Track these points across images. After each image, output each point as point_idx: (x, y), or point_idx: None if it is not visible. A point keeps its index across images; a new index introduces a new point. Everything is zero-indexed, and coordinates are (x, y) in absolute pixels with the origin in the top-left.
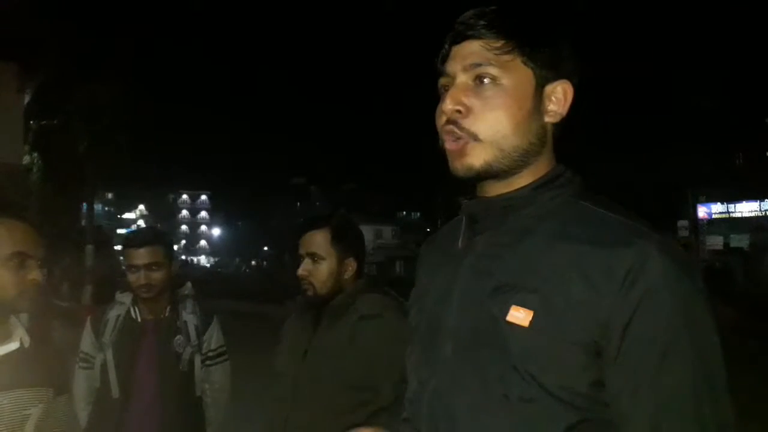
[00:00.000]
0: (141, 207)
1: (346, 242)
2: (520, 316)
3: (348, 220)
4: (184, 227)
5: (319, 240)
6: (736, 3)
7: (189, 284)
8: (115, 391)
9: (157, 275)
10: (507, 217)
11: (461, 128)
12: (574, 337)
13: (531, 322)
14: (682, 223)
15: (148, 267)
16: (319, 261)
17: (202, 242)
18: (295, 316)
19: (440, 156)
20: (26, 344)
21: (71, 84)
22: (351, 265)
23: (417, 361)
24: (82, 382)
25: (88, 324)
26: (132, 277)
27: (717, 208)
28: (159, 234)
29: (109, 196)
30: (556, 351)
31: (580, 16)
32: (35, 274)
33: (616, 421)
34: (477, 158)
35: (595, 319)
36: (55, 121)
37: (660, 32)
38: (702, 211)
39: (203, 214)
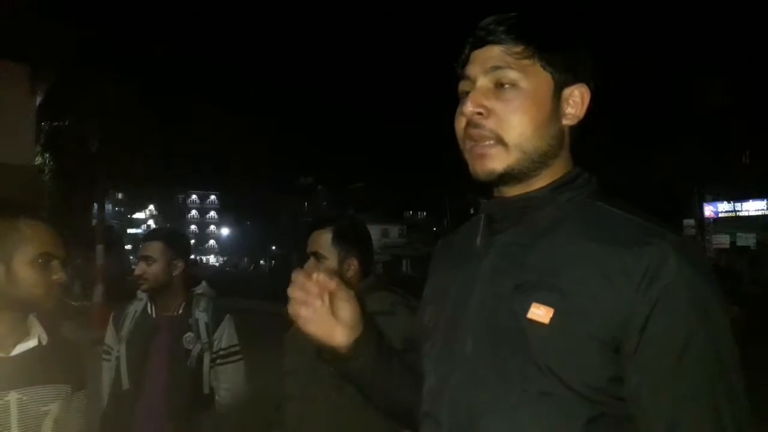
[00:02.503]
0: (151, 207)
1: (348, 242)
2: (540, 313)
3: (353, 222)
4: (193, 227)
5: (321, 240)
6: (744, 2)
7: (204, 283)
8: (125, 383)
9: (151, 269)
10: (526, 217)
11: (484, 129)
12: (594, 334)
13: (551, 319)
14: (689, 221)
15: (144, 259)
16: (322, 260)
17: (211, 242)
18: None
19: (448, 157)
20: (44, 342)
21: (82, 85)
22: (353, 265)
23: (437, 357)
24: (105, 374)
25: (111, 317)
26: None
27: (723, 207)
28: (165, 232)
29: (120, 196)
30: (575, 347)
31: (586, 15)
32: (60, 274)
33: (634, 416)
34: (500, 162)
35: (613, 317)
36: (66, 122)
37: (667, 30)
38: (708, 210)
39: (212, 214)
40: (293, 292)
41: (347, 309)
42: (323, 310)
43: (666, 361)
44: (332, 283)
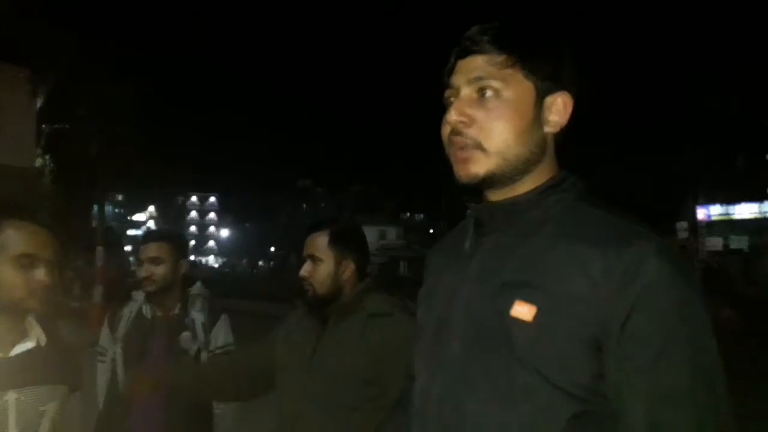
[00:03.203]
0: (151, 208)
1: (344, 245)
2: (523, 311)
3: (349, 224)
4: (192, 228)
5: (318, 242)
6: (736, 4)
7: (199, 283)
8: (122, 385)
9: (158, 270)
10: (512, 220)
11: (466, 137)
12: (576, 332)
13: (534, 316)
14: (681, 224)
15: (150, 261)
16: (318, 262)
17: (211, 243)
18: (301, 316)
19: (444, 160)
20: (42, 343)
21: (83, 88)
22: (349, 267)
23: (426, 357)
24: (100, 376)
25: (106, 319)
26: (138, 271)
27: (716, 210)
28: (168, 232)
29: (120, 197)
30: (558, 345)
31: (579, 17)
32: (43, 276)
33: (617, 413)
34: (481, 167)
35: (595, 316)
36: (66, 125)
37: (660, 34)
38: (701, 213)
39: (212, 215)
40: None
41: None
42: None
43: (645, 359)
44: None
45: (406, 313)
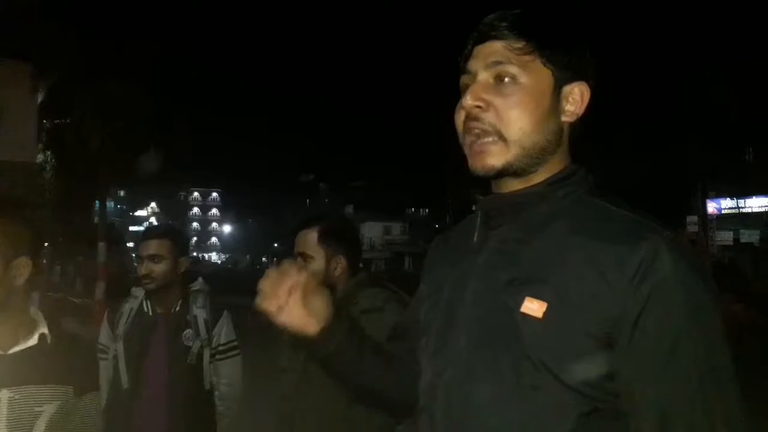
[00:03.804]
0: (153, 204)
1: (334, 241)
2: (534, 307)
3: (339, 221)
4: (195, 224)
5: (308, 240)
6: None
7: (200, 279)
8: (125, 382)
9: (158, 267)
10: (522, 213)
11: (483, 122)
12: (587, 329)
13: (545, 313)
14: (692, 218)
15: (150, 258)
16: (309, 260)
17: (213, 239)
18: None
19: (449, 154)
20: (48, 340)
21: (84, 83)
22: (340, 263)
23: (432, 352)
24: (102, 373)
25: (105, 316)
26: (138, 268)
27: (726, 204)
28: (169, 229)
29: (122, 193)
30: (568, 342)
31: (588, 12)
32: None
33: (627, 411)
34: (498, 158)
35: (606, 312)
36: (68, 120)
37: (670, 27)
38: (711, 207)
39: (214, 211)
40: (263, 285)
41: (317, 300)
42: (293, 302)
43: (657, 356)
44: (302, 277)
45: (400, 306)
